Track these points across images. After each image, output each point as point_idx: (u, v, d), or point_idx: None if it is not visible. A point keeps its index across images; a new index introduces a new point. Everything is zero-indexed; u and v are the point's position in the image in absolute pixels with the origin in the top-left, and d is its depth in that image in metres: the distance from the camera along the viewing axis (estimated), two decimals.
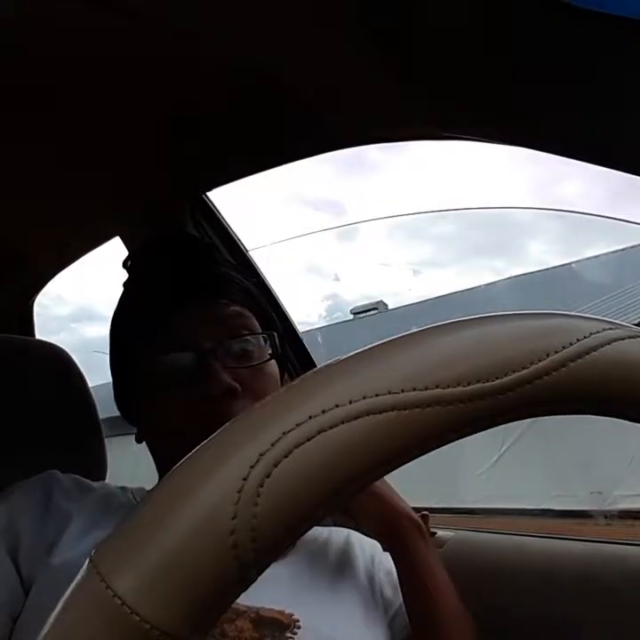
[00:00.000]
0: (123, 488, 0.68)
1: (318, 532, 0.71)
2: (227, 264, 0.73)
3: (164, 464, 0.67)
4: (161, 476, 0.67)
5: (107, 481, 0.88)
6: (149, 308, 0.65)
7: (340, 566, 0.67)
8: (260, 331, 0.66)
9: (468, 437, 0.24)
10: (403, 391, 0.21)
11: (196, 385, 0.60)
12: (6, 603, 0.56)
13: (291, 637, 0.57)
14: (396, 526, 0.65)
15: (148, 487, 0.69)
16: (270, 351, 0.65)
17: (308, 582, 0.63)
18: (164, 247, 0.72)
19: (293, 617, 0.58)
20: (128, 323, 0.68)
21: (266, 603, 0.58)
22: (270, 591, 0.59)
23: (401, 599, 0.66)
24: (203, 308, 0.64)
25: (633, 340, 0.25)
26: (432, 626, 0.62)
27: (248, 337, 0.64)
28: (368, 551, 0.70)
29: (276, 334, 0.66)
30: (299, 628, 0.58)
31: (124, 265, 0.71)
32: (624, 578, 0.72)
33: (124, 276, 0.73)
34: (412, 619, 0.64)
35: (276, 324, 0.70)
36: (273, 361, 0.66)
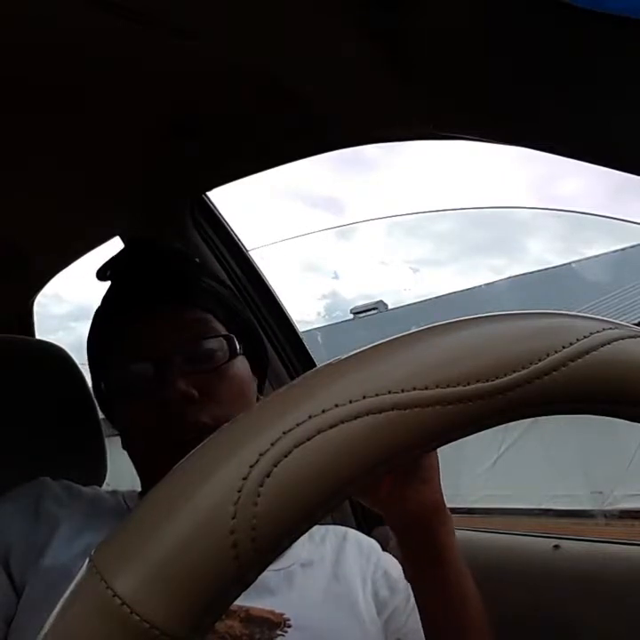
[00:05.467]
0: (113, 491, 0.69)
1: (315, 529, 0.70)
2: (195, 269, 0.72)
3: (139, 469, 0.67)
4: (143, 482, 0.67)
5: (107, 480, 0.88)
6: (111, 319, 0.67)
7: (336, 565, 0.66)
8: (220, 333, 0.65)
9: (468, 437, 0.24)
10: (403, 391, 0.21)
11: (154, 392, 0.61)
12: (0, 608, 0.57)
13: (280, 635, 0.57)
14: (438, 513, 0.55)
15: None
16: (230, 353, 0.64)
17: (302, 581, 0.63)
18: (126, 257, 0.72)
19: (284, 616, 0.58)
20: (96, 334, 0.70)
21: (257, 601, 0.58)
22: (263, 590, 0.59)
23: (397, 601, 0.65)
24: (162, 315, 0.64)
25: (633, 339, 0.25)
26: (457, 627, 0.55)
27: (207, 341, 0.63)
28: (365, 551, 0.70)
29: (234, 336, 0.65)
30: (289, 626, 0.57)
31: (99, 277, 0.71)
32: (624, 578, 0.72)
33: None
34: (431, 619, 0.56)
35: (248, 325, 0.70)
36: (236, 362, 0.64)
